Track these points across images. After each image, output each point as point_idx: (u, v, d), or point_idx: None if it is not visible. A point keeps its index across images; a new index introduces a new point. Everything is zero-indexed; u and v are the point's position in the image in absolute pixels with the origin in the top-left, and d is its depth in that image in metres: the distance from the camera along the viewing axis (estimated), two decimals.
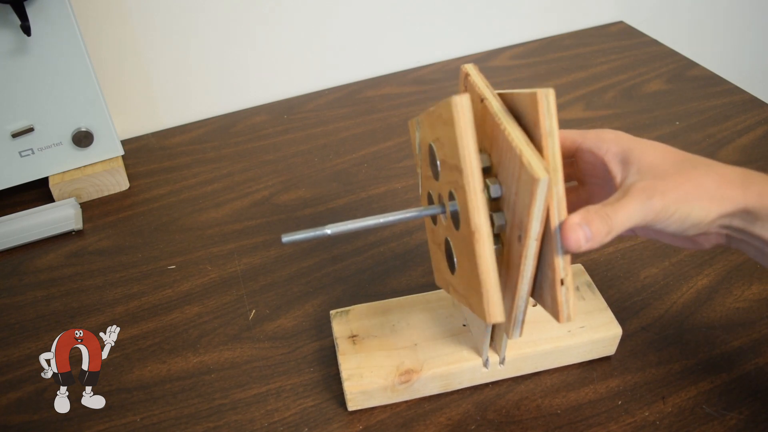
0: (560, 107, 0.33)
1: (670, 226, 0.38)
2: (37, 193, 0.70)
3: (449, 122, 0.36)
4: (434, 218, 0.45)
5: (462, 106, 0.35)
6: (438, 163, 0.40)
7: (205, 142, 0.78)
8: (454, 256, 0.41)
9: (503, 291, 0.41)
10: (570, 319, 0.38)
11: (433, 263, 0.48)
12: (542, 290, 0.40)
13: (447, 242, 0.42)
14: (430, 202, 0.44)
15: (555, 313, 0.39)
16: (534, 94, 0.36)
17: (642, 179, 0.38)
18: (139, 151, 0.77)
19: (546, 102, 0.35)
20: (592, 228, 0.36)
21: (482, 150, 0.40)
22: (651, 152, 0.39)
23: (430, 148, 0.42)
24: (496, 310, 0.37)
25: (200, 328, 0.55)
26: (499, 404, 0.48)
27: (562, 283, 0.37)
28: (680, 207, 0.37)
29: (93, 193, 0.70)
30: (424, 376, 0.46)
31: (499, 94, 0.40)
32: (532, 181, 0.34)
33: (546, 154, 0.35)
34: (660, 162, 0.38)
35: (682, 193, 0.37)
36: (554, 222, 0.36)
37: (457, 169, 0.37)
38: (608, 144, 0.40)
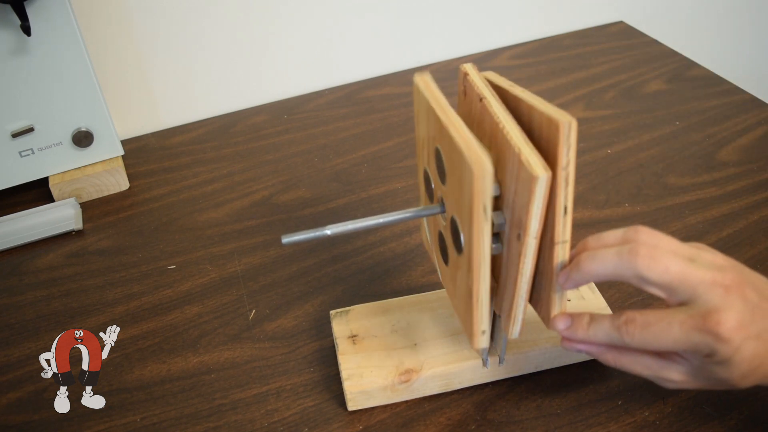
0: (560, 107, 0.33)
1: None
2: (37, 193, 0.70)
3: (422, 100, 0.39)
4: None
5: (421, 79, 0.41)
6: (444, 162, 0.40)
7: (205, 142, 0.78)
8: (448, 249, 0.42)
9: (503, 290, 0.41)
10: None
11: (436, 262, 0.48)
12: (536, 293, 0.40)
13: (440, 236, 0.42)
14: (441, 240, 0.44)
15: (546, 316, 0.40)
16: (556, 123, 0.33)
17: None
18: (139, 151, 0.77)
19: (567, 132, 0.33)
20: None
21: None
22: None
23: (437, 150, 0.42)
24: (479, 339, 0.40)
25: (200, 328, 0.55)
26: (499, 404, 0.48)
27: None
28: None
29: (93, 193, 0.70)
30: (424, 376, 0.46)
31: (504, 92, 0.39)
32: (531, 180, 0.34)
33: (558, 194, 0.35)
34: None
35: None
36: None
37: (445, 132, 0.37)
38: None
